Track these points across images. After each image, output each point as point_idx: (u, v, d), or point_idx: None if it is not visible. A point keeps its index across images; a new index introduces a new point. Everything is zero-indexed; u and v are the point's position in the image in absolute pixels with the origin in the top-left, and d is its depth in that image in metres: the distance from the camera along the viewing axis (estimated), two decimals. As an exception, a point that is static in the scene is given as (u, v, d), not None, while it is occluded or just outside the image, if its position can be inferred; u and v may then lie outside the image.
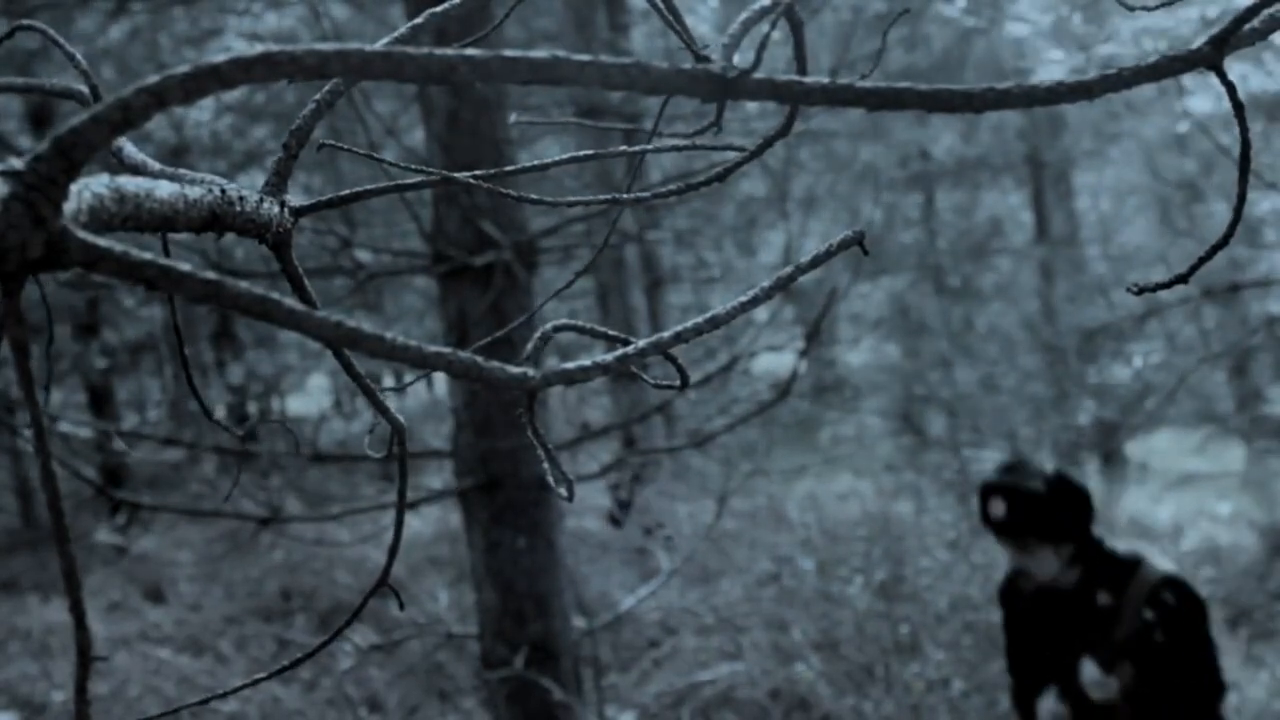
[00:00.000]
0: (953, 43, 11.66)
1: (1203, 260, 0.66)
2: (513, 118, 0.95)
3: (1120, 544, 3.28)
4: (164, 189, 0.59)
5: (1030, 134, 12.89)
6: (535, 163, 0.78)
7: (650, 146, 0.79)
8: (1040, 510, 3.18)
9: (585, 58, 0.50)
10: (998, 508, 3.20)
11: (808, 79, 0.55)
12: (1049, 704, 3.26)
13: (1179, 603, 3.12)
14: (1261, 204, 6.68)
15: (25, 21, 0.74)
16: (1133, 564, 3.18)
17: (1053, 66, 8.41)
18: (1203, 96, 5.69)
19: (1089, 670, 3.15)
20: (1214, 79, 0.62)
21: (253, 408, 14.42)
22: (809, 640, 6.31)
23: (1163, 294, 7.09)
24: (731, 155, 0.79)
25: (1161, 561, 3.20)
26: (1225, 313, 9.39)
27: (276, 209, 0.69)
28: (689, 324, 0.61)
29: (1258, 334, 8.08)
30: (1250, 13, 0.60)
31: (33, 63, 8.53)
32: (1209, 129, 5.37)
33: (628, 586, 7.36)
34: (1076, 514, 3.22)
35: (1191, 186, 10.21)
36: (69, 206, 0.49)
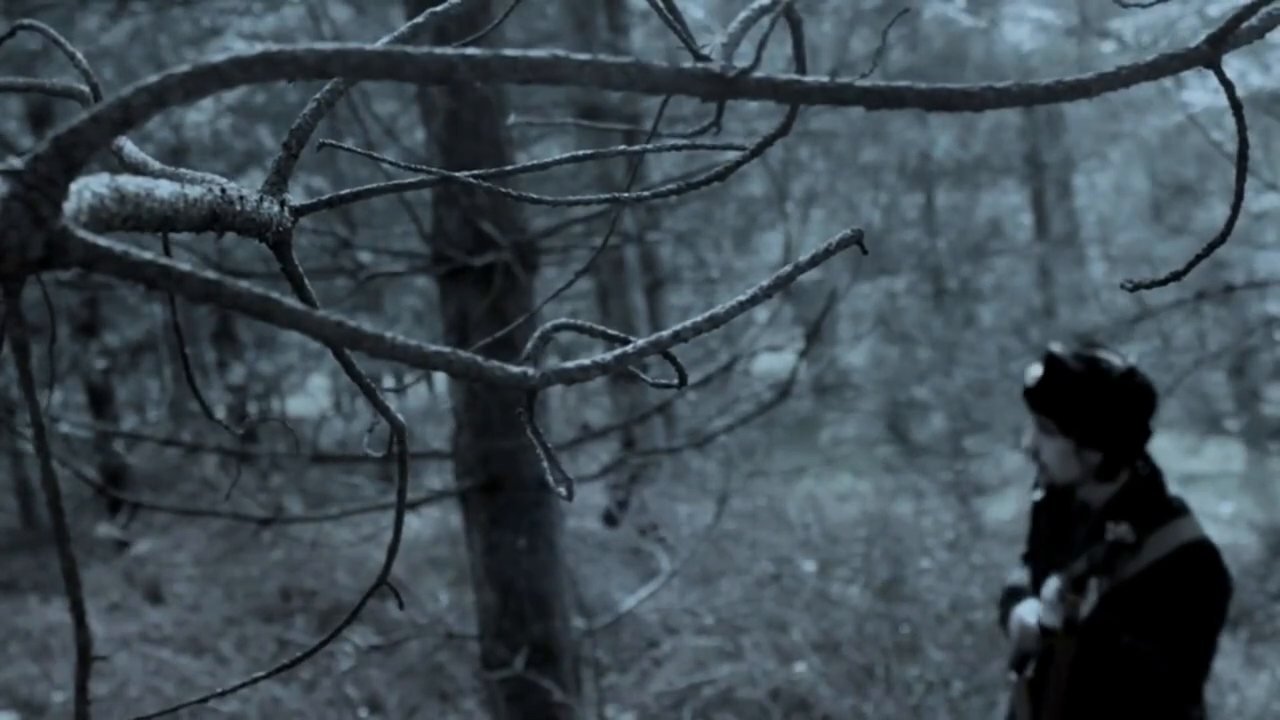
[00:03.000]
0: (951, 43, 11.67)
1: (1199, 258, 0.66)
2: (511, 118, 0.95)
3: (1174, 490, 2.82)
4: (164, 188, 0.59)
5: (1030, 134, 12.89)
6: (535, 162, 0.78)
7: (650, 146, 0.79)
8: (1068, 393, 2.74)
9: (585, 57, 0.50)
10: (1033, 373, 2.81)
11: (807, 78, 0.55)
12: (1022, 612, 2.83)
13: (1202, 572, 2.67)
14: (1261, 204, 6.68)
15: (26, 21, 0.74)
16: (1175, 512, 2.73)
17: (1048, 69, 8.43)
18: (1200, 91, 5.68)
19: (1048, 589, 2.74)
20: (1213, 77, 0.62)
21: (253, 408, 14.41)
22: (809, 641, 6.31)
23: (1157, 296, 7.10)
24: (732, 155, 0.79)
25: (1199, 526, 2.74)
26: (1224, 313, 9.39)
27: (276, 208, 0.69)
28: (688, 323, 0.62)
29: (1255, 334, 8.08)
30: (1248, 11, 0.60)
31: (34, 63, 8.53)
32: (1204, 126, 5.37)
33: (628, 587, 7.36)
34: (1116, 418, 2.73)
35: (1186, 189, 10.21)
36: (69, 206, 0.49)
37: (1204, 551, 2.67)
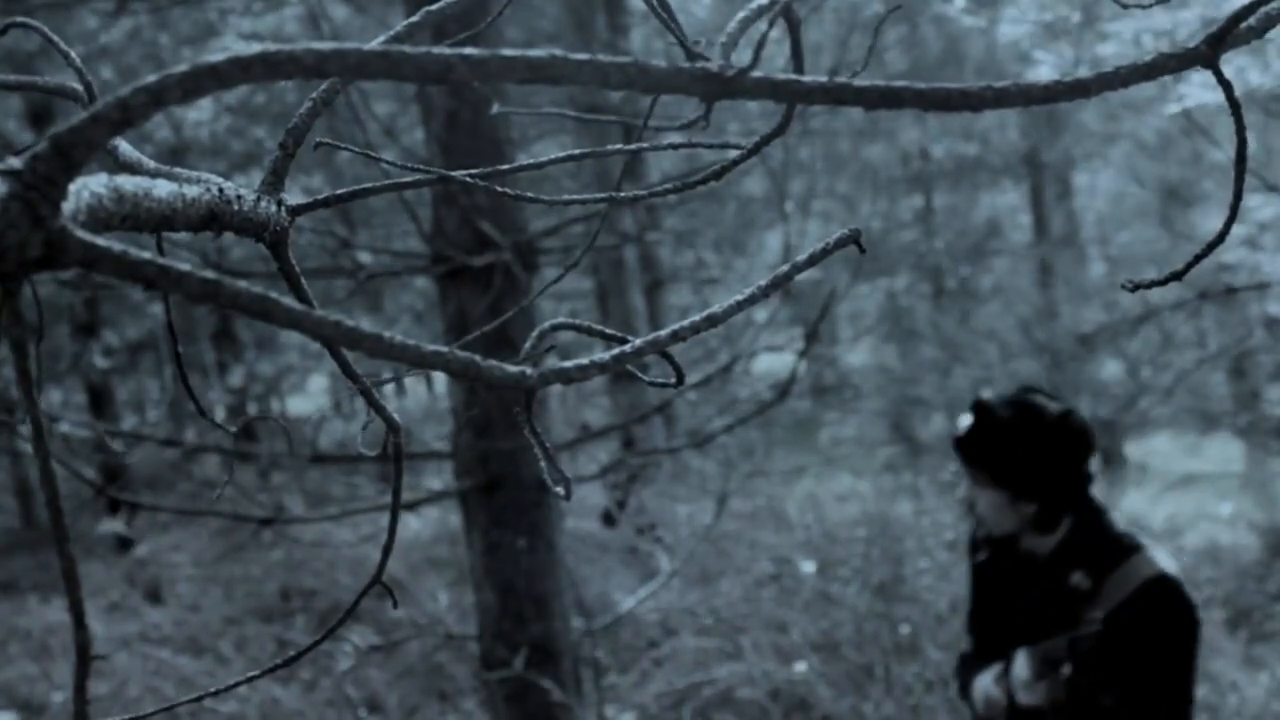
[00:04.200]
0: (950, 43, 11.67)
1: (1198, 258, 0.66)
2: (495, 107, 0.95)
3: (1124, 524, 2.65)
4: (162, 188, 0.59)
5: (1030, 134, 12.90)
6: (533, 161, 0.78)
7: (648, 145, 0.79)
8: (999, 444, 2.59)
9: (583, 57, 0.50)
10: (962, 423, 2.66)
11: (805, 78, 0.55)
12: (986, 684, 2.68)
13: (1167, 611, 2.53)
14: (1261, 204, 6.69)
15: (20, 19, 0.74)
16: (1127, 550, 2.57)
17: (1043, 69, 8.42)
18: (1199, 90, 5.68)
19: (1020, 667, 2.58)
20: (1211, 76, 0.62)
21: (253, 408, 14.42)
22: (809, 641, 6.31)
23: (1158, 296, 7.10)
24: (730, 155, 0.79)
25: (1163, 557, 2.58)
26: (1224, 313, 9.40)
27: (274, 208, 0.69)
28: (687, 323, 0.61)
29: (1254, 334, 8.09)
30: (1247, 10, 0.60)
31: (33, 61, 8.53)
32: (1200, 124, 5.37)
33: (627, 587, 7.36)
34: (1051, 467, 2.59)
35: (1178, 192, 10.22)
36: (68, 206, 0.49)
37: (1165, 588, 2.54)
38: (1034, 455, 2.58)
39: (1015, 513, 2.64)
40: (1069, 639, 2.56)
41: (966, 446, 2.64)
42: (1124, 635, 2.53)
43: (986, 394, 2.69)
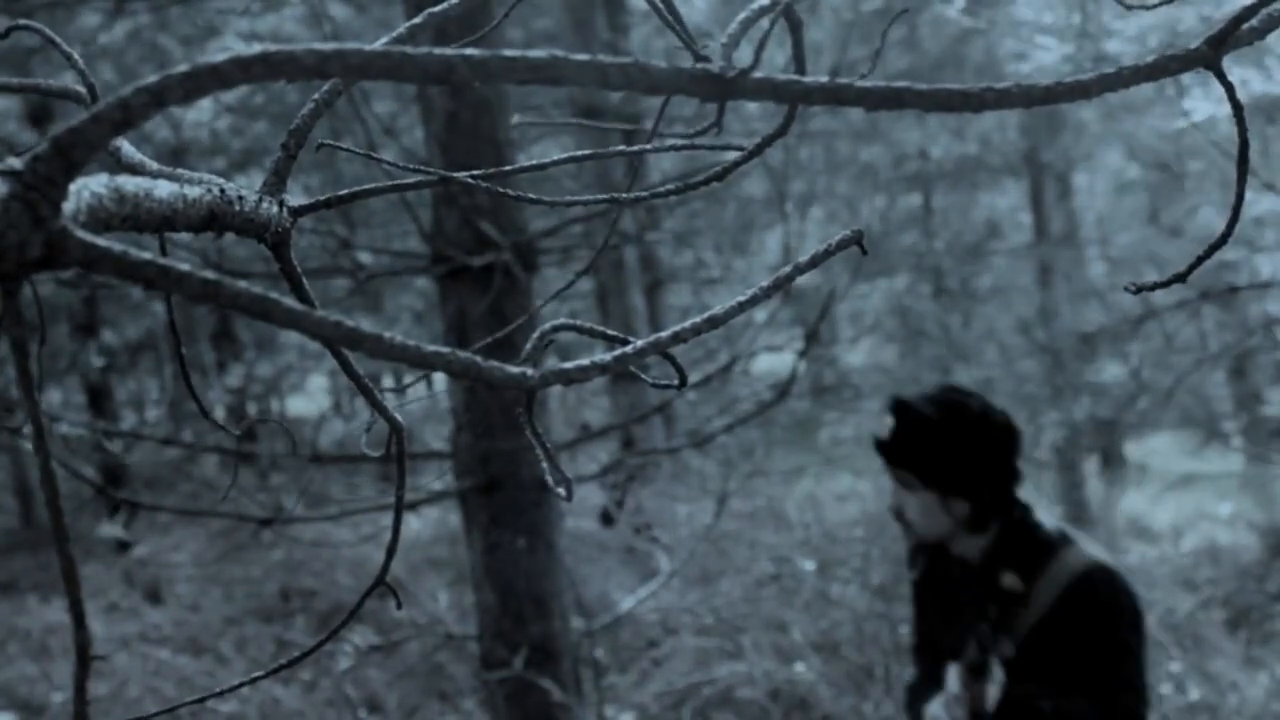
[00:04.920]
0: (950, 44, 11.67)
1: (1201, 260, 0.66)
2: (515, 119, 0.95)
3: (1052, 522, 2.56)
4: (163, 188, 0.59)
5: (1030, 134, 12.89)
6: (534, 162, 0.78)
7: (650, 147, 0.79)
8: (926, 442, 2.49)
9: (584, 57, 0.50)
10: (885, 426, 2.55)
11: (807, 78, 0.55)
12: (933, 712, 2.52)
13: (1104, 597, 2.42)
14: (1254, 200, 6.69)
15: (22, 22, 0.74)
16: (1054, 545, 2.49)
17: (1046, 54, 8.41)
18: (1204, 100, 5.69)
19: (950, 681, 2.44)
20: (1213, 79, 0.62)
21: (253, 408, 14.42)
22: (808, 641, 6.32)
23: (1159, 297, 7.10)
24: (731, 156, 0.79)
25: (1092, 548, 2.50)
26: (1224, 314, 9.40)
27: (275, 208, 0.69)
28: (687, 324, 0.61)
29: (1255, 335, 8.09)
30: (1249, 12, 0.60)
31: (31, 61, 8.53)
32: (1204, 130, 5.38)
33: (627, 587, 7.36)
34: (979, 463, 2.50)
35: (1178, 190, 10.22)
36: (68, 206, 0.49)
37: (1100, 575, 2.44)
38: (963, 451, 2.49)
39: (947, 515, 2.54)
40: (987, 644, 2.44)
41: (892, 449, 2.53)
42: (1062, 628, 2.42)
43: (905, 393, 2.60)
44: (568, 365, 0.57)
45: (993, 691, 2.41)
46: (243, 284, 0.47)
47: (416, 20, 0.73)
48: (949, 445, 2.49)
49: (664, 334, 0.60)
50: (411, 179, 0.80)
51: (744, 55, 0.60)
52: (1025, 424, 9.53)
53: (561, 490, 0.64)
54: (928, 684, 2.67)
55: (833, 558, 7.54)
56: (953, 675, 2.46)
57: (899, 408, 2.53)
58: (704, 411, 8.91)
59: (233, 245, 6.59)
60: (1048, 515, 2.59)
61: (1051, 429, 9.28)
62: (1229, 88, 0.62)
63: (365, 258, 4.91)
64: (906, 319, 12.35)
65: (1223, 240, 0.65)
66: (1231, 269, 7.53)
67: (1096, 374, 8.96)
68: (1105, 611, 2.43)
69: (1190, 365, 7.46)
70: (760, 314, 7.31)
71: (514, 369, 0.54)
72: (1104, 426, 9.31)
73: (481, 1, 3.71)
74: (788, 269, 0.64)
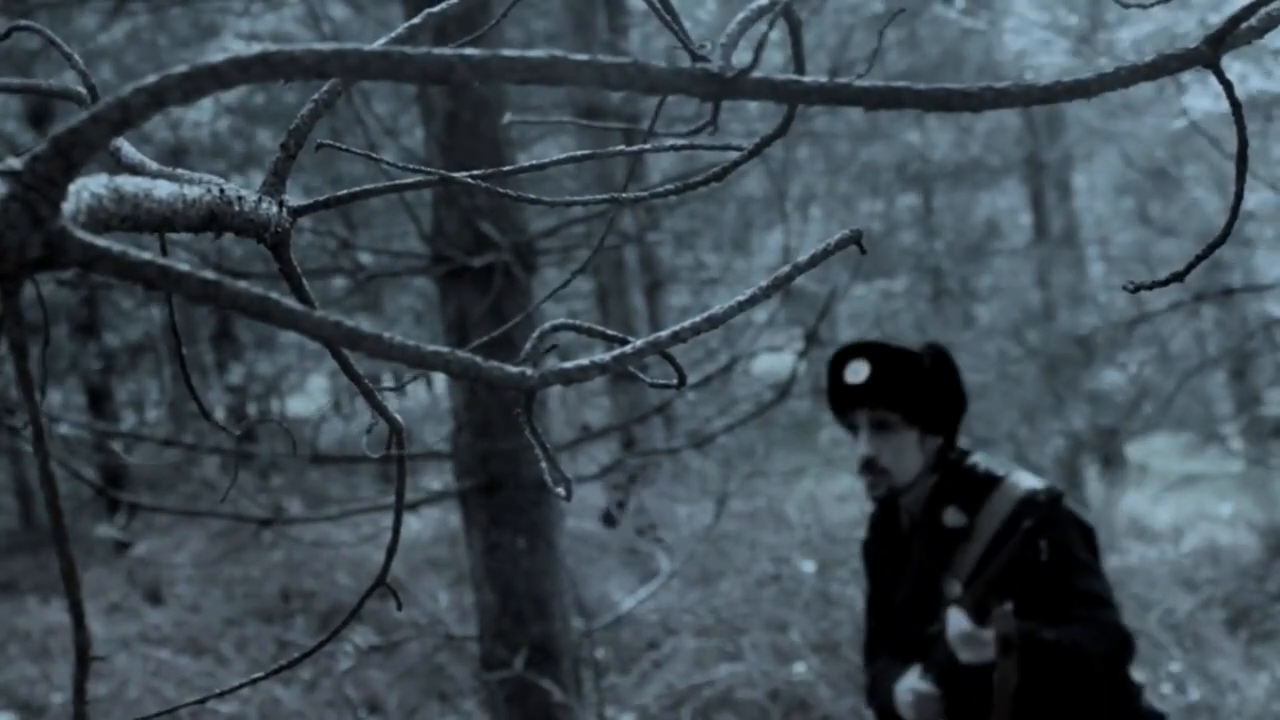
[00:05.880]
0: (950, 44, 11.68)
1: (1200, 259, 0.66)
2: (507, 117, 0.95)
3: (986, 461, 2.56)
4: (162, 189, 0.59)
5: (1030, 133, 12.90)
6: (534, 162, 0.78)
7: (649, 146, 0.79)
8: (916, 379, 2.49)
9: (583, 57, 0.50)
10: (858, 370, 2.49)
11: (806, 78, 0.55)
12: (910, 684, 2.46)
13: (1055, 521, 2.38)
14: (1248, 196, 6.68)
15: (24, 23, 0.74)
16: (994, 479, 2.49)
17: (1048, 55, 8.42)
18: (1202, 97, 5.69)
19: (956, 621, 2.35)
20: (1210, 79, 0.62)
21: (253, 408, 14.42)
22: (808, 641, 6.31)
23: (1153, 299, 7.09)
24: (730, 156, 0.79)
25: (1028, 479, 2.49)
26: (1223, 315, 9.40)
27: (275, 209, 0.69)
28: (687, 323, 0.61)
29: (1254, 337, 8.09)
30: (1248, 11, 0.60)
31: (30, 61, 8.53)
32: (1203, 128, 5.37)
33: (627, 588, 7.36)
34: (948, 395, 2.52)
35: (1173, 188, 10.22)
36: (68, 207, 0.49)
37: (1042, 496, 2.42)
38: (941, 386, 2.51)
39: (921, 454, 2.54)
40: (996, 574, 2.36)
41: (872, 391, 2.49)
42: (1014, 560, 2.37)
43: (868, 339, 2.59)
44: (568, 365, 0.57)
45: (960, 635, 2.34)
46: (242, 284, 0.47)
47: (416, 20, 0.73)
48: (931, 381, 2.50)
49: (664, 334, 0.60)
50: (411, 179, 0.80)
51: (744, 56, 0.60)
52: (1025, 431, 9.55)
53: (561, 490, 0.64)
54: (885, 660, 2.62)
55: (833, 558, 7.54)
56: (955, 615, 2.37)
57: (875, 350, 2.51)
58: (704, 412, 8.90)
59: (232, 245, 6.58)
60: (985, 458, 2.58)
61: (1053, 438, 9.28)
62: (1228, 87, 0.62)
63: (365, 258, 4.91)
64: (894, 321, 12.35)
65: (1222, 239, 0.65)
66: (1224, 269, 7.54)
67: (1096, 381, 8.96)
68: (1056, 531, 2.39)
69: (1191, 369, 7.45)
70: (760, 314, 7.31)
71: (514, 369, 0.54)
72: (1106, 434, 9.31)
73: (481, 1, 3.71)
74: (787, 269, 0.64)
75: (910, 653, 2.55)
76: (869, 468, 2.58)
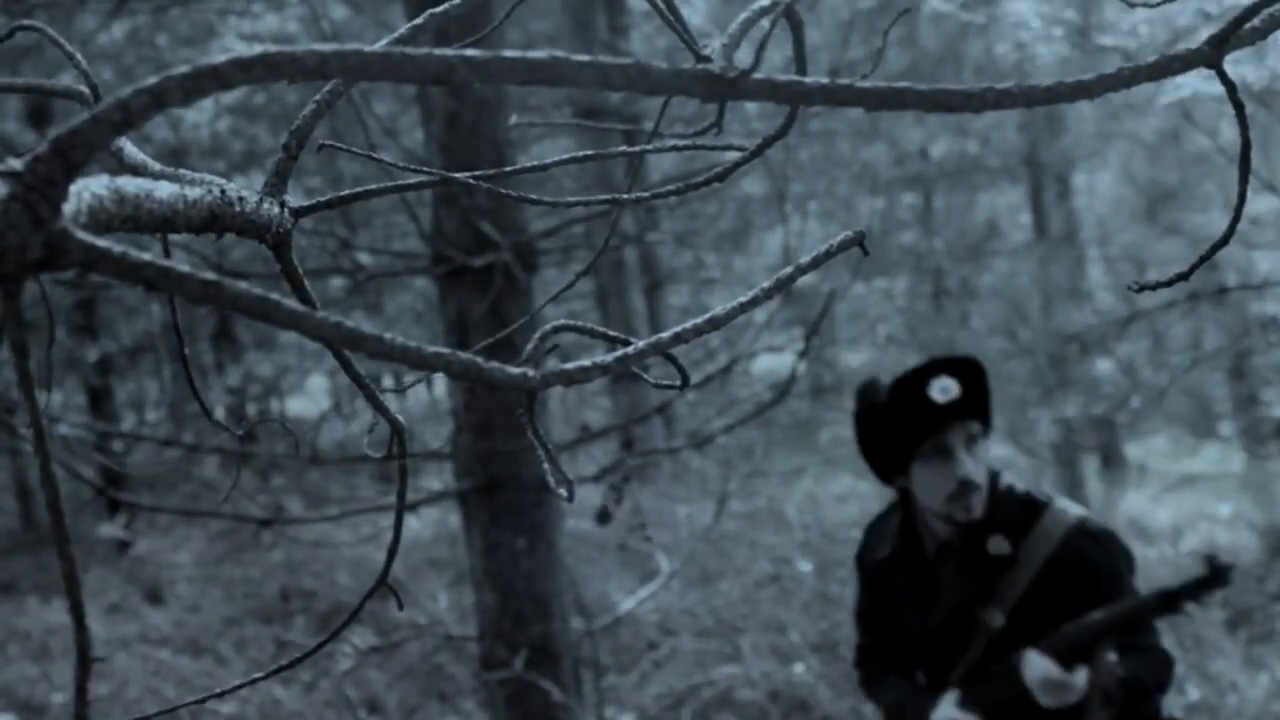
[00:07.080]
0: (949, 42, 11.67)
1: (1203, 259, 0.66)
2: (513, 119, 0.95)
3: (1016, 481, 2.50)
4: (163, 189, 0.59)
5: (1030, 133, 12.90)
6: (535, 163, 0.78)
7: (650, 147, 0.79)
8: (985, 388, 2.42)
9: (584, 58, 0.50)
10: (947, 388, 2.38)
11: (807, 79, 0.55)
12: (949, 714, 2.41)
13: (1105, 552, 2.36)
14: (1253, 199, 6.67)
15: (26, 23, 0.74)
16: (1037, 505, 2.42)
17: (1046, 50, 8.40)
18: (1196, 80, 5.67)
19: (1038, 665, 2.27)
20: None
21: (253, 409, 14.42)
22: (808, 642, 6.31)
23: (1146, 298, 7.09)
24: (731, 156, 0.79)
25: (1072, 507, 2.44)
26: (1221, 314, 9.39)
27: (276, 209, 0.69)
28: (688, 324, 0.61)
29: (1250, 335, 8.09)
30: (1250, 11, 0.60)
31: (29, 60, 8.52)
32: (1200, 124, 5.37)
33: (627, 588, 7.36)
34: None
35: (1173, 193, 10.22)
36: (68, 207, 0.49)
37: (1094, 529, 2.39)
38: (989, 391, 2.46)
39: (987, 464, 2.46)
40: (1101, 617, 2.27)
41: (966, 405, 2.39)
42: (1065, 591, 2.34)
43: (923, 362, 2.48)
44: (568, 366, 0.57)
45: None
46: (243, 285, 0.47)
47: (417, 21, 0.73)
48: (988, 387, 2.44)
49: (664, 335, 0.60)
50: (412, 179, 0.80)
51: (744, 56, 0.60)
52: (1018, 418, 9.54)
53: (562, 491, 0.64)
54: (902, 677, 2.58)
55: (832, 558, 7.54)
56: (1036, 658, 2.30)
57: (953, 365, 2.42)
58: (704, 412, 8.91)
59: (232, 245, 6.59)
60: (1013, 476, 2.53)
61: (1045, 425, 9.27)
62: (1231, 88, 0.62)
63: (365, 258, 4.91)
64: (894, 320, 12.34)
65: (1225, 239, 0.65)
66: (1219, 268, 7.53)
67: (1087, 370, 8.96)
68: (1110, 563, 2.37)
69: (1185, 364, 7.45)
70: (760, 314, 7.32)
71: (515, 370, 0.54)
72: (1101, 424, 9.30)
73: (482, 2, 3.71)
74: (789, 270, 0.64)
75: (938, 679, 2.50)
76: (968, 488, 2.42)
